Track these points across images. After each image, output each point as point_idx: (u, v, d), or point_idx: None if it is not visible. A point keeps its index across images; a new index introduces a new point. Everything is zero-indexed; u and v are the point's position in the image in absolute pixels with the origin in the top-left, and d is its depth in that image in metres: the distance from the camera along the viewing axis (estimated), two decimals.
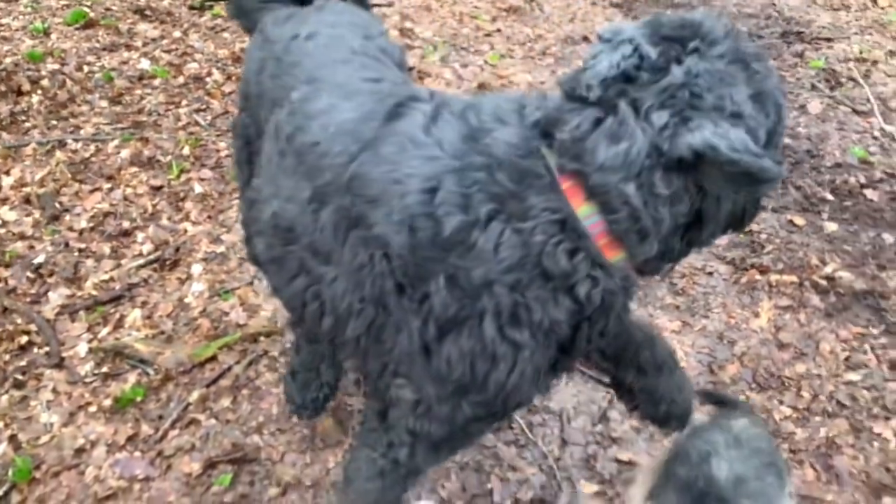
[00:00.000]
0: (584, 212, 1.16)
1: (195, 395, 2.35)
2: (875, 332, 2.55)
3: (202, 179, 3.41)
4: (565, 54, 4.61)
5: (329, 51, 1.61)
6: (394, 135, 1.30)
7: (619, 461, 2.13)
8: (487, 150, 1.21)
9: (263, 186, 1.56)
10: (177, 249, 2.99)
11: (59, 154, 3.41)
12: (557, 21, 5.15)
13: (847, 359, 2.46)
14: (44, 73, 3.95)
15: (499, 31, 4.99)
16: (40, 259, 2.83)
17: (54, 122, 3.65)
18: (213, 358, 2.48)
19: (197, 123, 3.71)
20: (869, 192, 3.19)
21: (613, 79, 1.14)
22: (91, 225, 3.04)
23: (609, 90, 1.15)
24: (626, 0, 5.57)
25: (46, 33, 4.29)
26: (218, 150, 3.61)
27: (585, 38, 4.91)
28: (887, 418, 2.28)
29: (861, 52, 4.11)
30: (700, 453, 1.43)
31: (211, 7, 5.40)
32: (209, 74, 4.11)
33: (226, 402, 2.35)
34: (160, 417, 2.30)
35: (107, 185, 3.27)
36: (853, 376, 2.40)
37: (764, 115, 1.17)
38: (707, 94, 1.12)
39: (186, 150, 3.54)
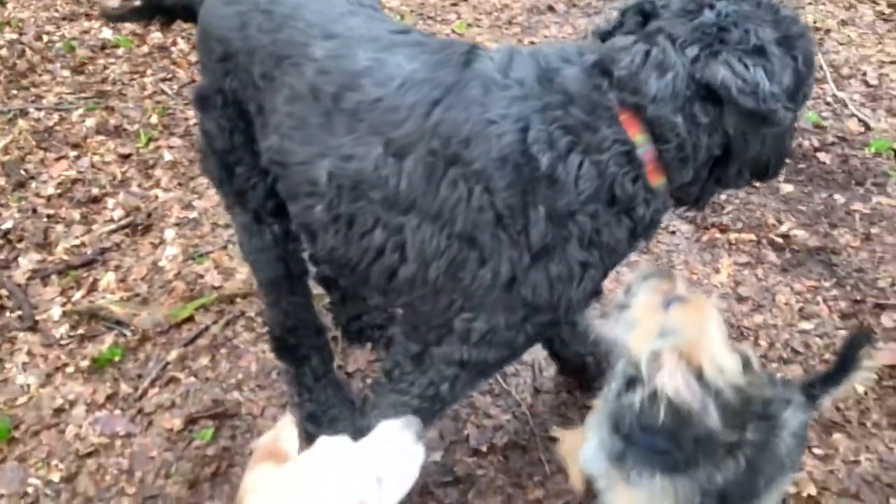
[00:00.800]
0: (639, 141, 1.30)
1: (173, 355, 2.38)
2: (827, 284, 2.69)
3: (171, 147, 3.39)
4: (531, 23, 4.65)
5: (324, 1, 1.60)
6: (475, 78, 1.37)
7: (587, 407, 2.23)
8: (561, 88, 1.32)
9: (296, 148, 1.53)
10: (148, 215, 2.98)
11: (21, 123, 3.35)
12: None
13: (801, 310, 2.59)
14: (1, 42, 3.86)
15: (465, 0, 5.00)
16: (8, 225, 2.81)
17: (15, 92, 3.58)
18: (190, 318, 2.50)
19: (163, 92, 3.67)
20: (821, 156, 3.33)
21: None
22: (59, 192, 3.01)
23: (648, 25, 1.30)
24: None
25: (2, 3, 4.17)
26: (186, 119, 3.58)
27: (551, 8, 4.95)
28: None
29: (815, 22, 4.25)
30: None
31: None
32: (174, 44, 4.05)
33: (204, 360, 2.38)
34: (139, 377, 2.32)
35: (73, 153, 3.23)
36: (806, 325, 2.53)
37: (790, 58, 1.27)
38: (734, 29, 1.24)
39: (154, 119, 3.50)
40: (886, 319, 2.46)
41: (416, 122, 1.38)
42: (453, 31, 4.50)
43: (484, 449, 2.10)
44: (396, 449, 1.17)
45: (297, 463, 1.08)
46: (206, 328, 2.48)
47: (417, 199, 1.39)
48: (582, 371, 2.22)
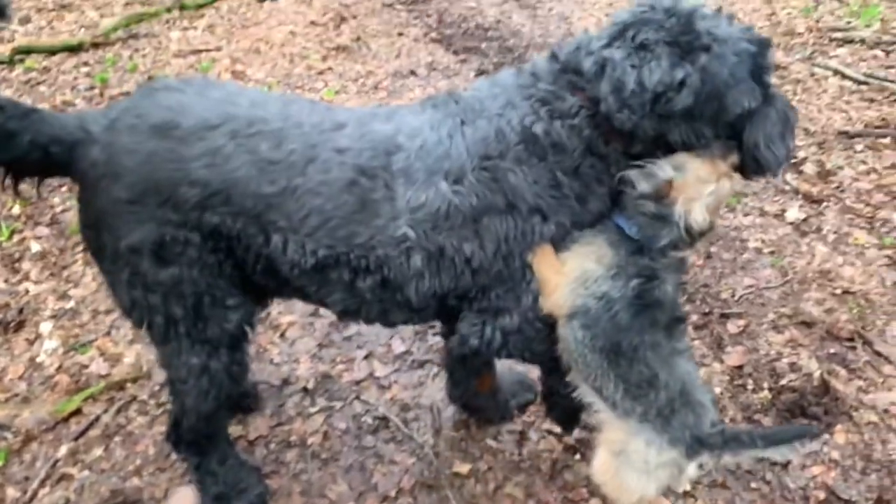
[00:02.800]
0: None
1: (63, 451, 2.30)
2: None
3: (38, 237, 3.29)
4: (396, 87, 4.91)
5: (304, 103, 1.74)
6: (471, 105, 1.69)
7: (488, 444, 2.37)
8: (534, 72, 1.67)
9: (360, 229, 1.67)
10: (20, 311, 2.87)
11: None
12: (385, 57, 5.47)
13: None
14: None
15: (330, 69, 5.21)
16: None
17: None
18: (78, 411, 2.43)
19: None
20: None
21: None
22: None
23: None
24: (445, 36, 6.03)
25: None
26: (52, 207, 3.49)
27: (413, 73, 5.26)
28: None
29: None
30: None
31: (22, 61, 5.16)
32: None
33: (98, 451, 2.31)
34: (26, 479, 2.22)
35: None
36: None
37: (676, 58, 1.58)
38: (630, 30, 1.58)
39: (16, 210, 3.39)
40: (731, 326, 2.80)
41: (458, 152, 1.62)
42: (322, 99, 4.68)
43: (393, 494, 2.18)
44: None
45: None
46: (97, 418, 2.42)
47: (486, 201, 1.61)
48: (482, 410, 2.38)
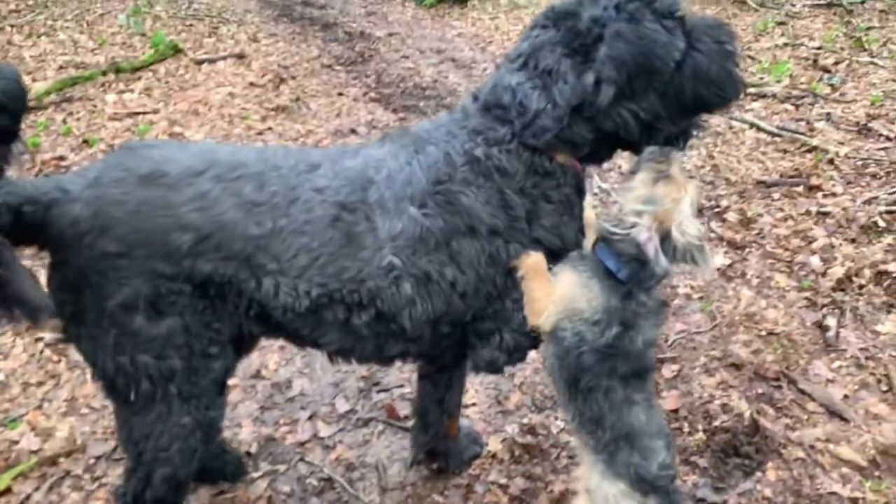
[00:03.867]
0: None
1: None
2: None
3: None
4: (337, 146, 5.00)
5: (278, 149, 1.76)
6: (422, 136, 1.80)
7: (434, 500, 2.38)
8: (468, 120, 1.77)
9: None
10: None
11: None
12: (325, 117, 5.58)
13: None
14: None
15: (270, 129, 5.27)
16: None
17: None
18: (8, 490, 2.33)
19: None
20: None
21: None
22: None
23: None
24: (384, 95, 6.20)
25: None
26: None
27: (353, 131, 5.37)
28: None
29: None
30: None
31: None
32: None
33: None
34: None
35: None
36: None
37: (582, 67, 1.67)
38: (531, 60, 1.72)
39: None
40: (666, 371, 2.91)
41: (417, 178, 1.69)
42: None
43: None
44: None
45: None
46: (28, 497, 2.32)
47: (450, 224, 1.68)
48: (448, 455, 2.41)
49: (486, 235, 1.70)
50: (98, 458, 2.47)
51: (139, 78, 6.23)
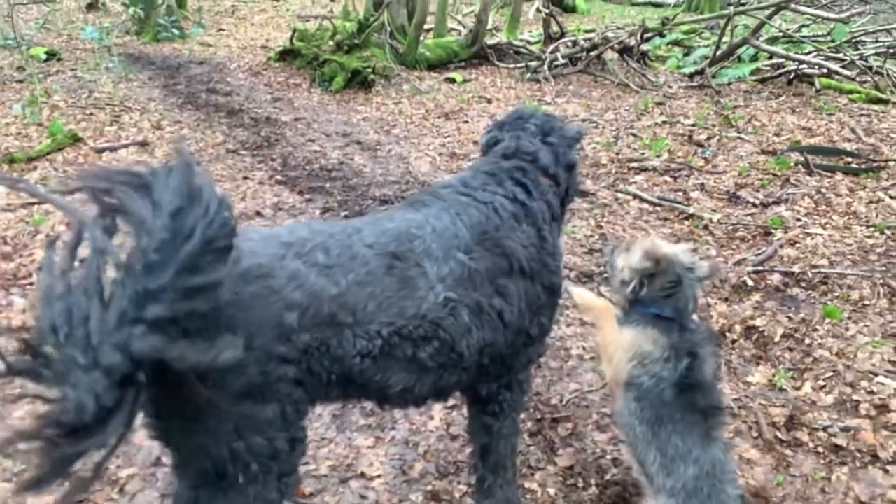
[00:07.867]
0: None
1: None
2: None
3: None
4: (241, 229, 5.03)
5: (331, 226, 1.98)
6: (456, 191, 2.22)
7: None
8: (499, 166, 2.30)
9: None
10: None
11: None
12: (231, 199, 5.61)
13: None
14: None
15: None
16: None
17: None
18: None
19: None
20: None
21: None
22: None
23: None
24: (290, 178, 6.32)
25: None
26: None
27: (258, 213, 5.43)
28: (532, 474, 2.91)
29: None
30: None
31: None
32: None
33: None
34: None
35: None
36: None
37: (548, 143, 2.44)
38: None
39: None
40: (561, 430, 3.06)
41: (462, 234, 2.03)
42: None
43: None
44: None
45: None
46: None
47: (494, 267, 2.05)
48: None
49: (519, 274, 2.11)
50: None
51: (35, 168, 6.11)
